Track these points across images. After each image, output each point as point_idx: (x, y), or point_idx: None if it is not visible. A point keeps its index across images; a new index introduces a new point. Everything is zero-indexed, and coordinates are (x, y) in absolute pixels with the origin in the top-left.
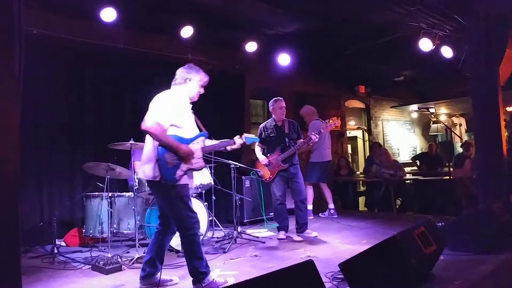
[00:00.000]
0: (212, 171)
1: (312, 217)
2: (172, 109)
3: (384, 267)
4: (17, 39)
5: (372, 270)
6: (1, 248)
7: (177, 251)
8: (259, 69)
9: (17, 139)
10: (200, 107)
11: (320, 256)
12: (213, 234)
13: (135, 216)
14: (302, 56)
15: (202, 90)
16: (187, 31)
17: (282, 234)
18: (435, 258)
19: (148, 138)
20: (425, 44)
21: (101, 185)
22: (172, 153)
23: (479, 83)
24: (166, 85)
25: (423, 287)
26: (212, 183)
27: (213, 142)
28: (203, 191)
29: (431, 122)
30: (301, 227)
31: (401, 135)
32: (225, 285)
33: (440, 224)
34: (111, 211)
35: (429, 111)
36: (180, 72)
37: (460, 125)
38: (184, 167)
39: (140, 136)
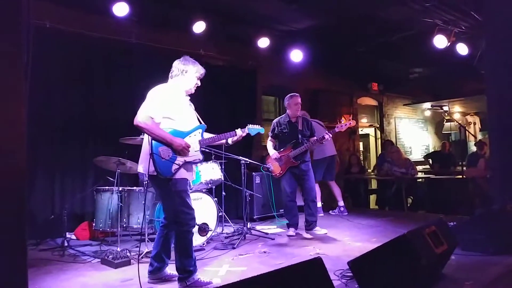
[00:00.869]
0: (223, 167)
1: (322, 214)
2: (164, 102)
3: (394, 266)
4: (25, 33)
5: (381, 269)
6: (7, 240)
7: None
8: (271, 65)
9: (23, 132)
10: (211, 103)
11: (330, 254)
12: (222, 230)
13: (145, 211)
14: (314, 53)
15: (199, 83)
16: (199, 27)
17: (291, 231)
18: (446, 258)
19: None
20: (440, 41)
21: (111, 179)
22: (167, 147)
23: (495, 81)
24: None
25: (434, 286)
26: (222, 179)
27: (212, 135)
28: (213, 187)
29: (445, 121)
30: (310, 224)
31: (413, 133)
32: (209, 285)
33: (451, 223)
34: (121, 205)
35: (442, 109)
36: (177, 64)
37: (474, 123)
38: (179, 160)
39: None
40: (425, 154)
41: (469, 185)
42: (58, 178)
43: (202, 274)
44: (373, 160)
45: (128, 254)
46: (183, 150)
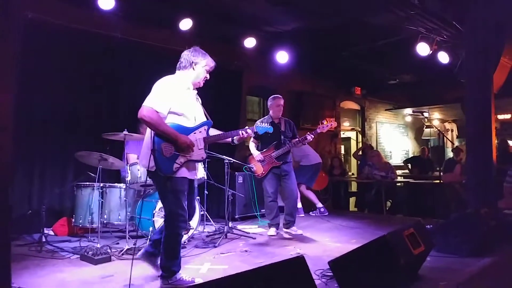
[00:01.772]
0: (206, 166)
1: (303, 215)
2: (171, 95)
3: (373, 265)
4: (15, 24)
5: (361, 269)
6: None
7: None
8: (257, 66)
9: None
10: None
11: (310, 254)
12: (204, 229)
13: (126, 208)
14: (300, 55)
15: (208, 76)
16: (186, 24)
17: (272, 231)
18: (423, 259)
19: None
20: (423, 49)
21: (93, 175)
22: (170, 143)
23: (473, 90)
24: (164, 76)
25: (411, 287)
26: (205, 178)
27: (218, 132)
28: (196, 185)
29: (424, 127)
30: (288, 223)
31: (394, 138)
32: (192, 284)
33: (428, 226)
34: (102, 202)
35: (423, 115)
36: (186, 56)
37: (452, 130)
38: (182, 158)
39: (135, 127)
40: (405, 159)
41: (446, 190)
42: (37, 172)
43: (184, 272)
44: (353, 163)
45: (109, 250)
46: (188, 148)
